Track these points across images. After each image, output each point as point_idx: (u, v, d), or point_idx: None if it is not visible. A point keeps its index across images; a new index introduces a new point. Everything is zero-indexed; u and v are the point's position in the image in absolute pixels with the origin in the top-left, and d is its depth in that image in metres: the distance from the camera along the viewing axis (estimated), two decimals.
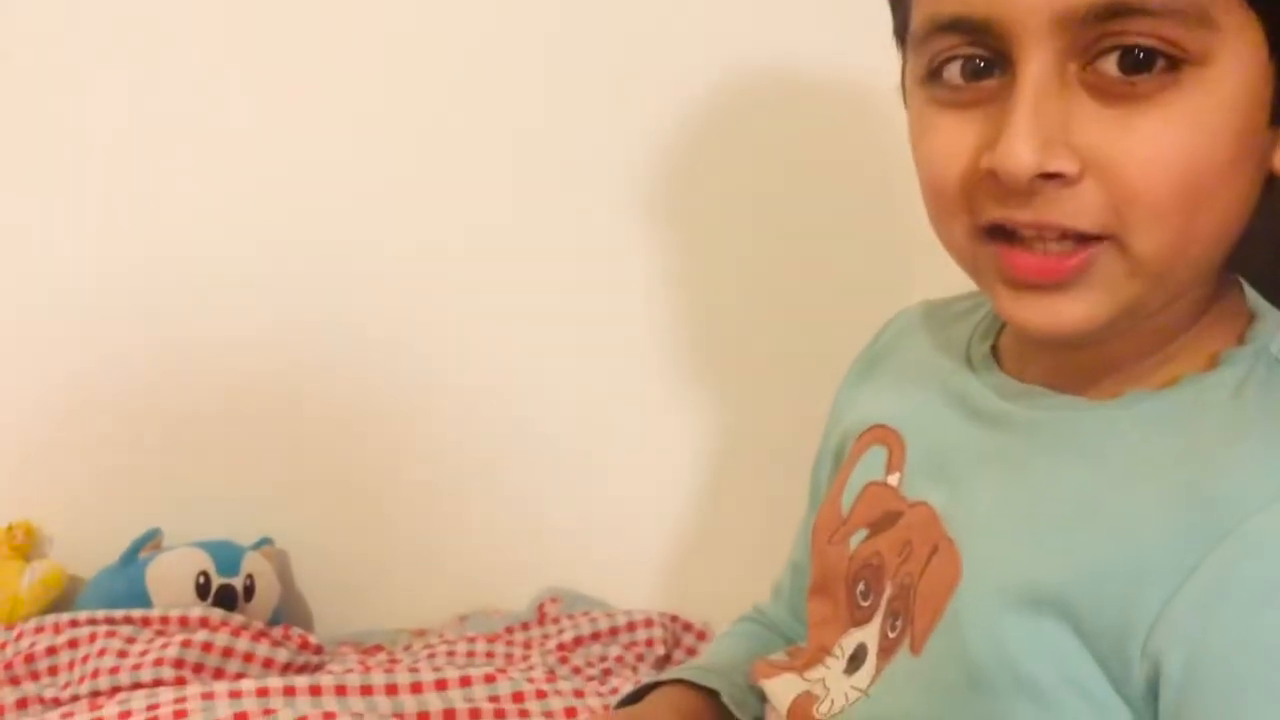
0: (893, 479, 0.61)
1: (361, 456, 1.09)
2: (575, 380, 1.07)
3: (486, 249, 1.05)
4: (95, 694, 0.87)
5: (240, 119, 1.04)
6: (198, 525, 1.06)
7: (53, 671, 0.91)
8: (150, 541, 1.05)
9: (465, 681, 0.83)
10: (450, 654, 0.96)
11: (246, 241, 1.05)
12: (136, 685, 0.87)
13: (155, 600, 0.99)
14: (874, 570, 0.59)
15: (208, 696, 0.78)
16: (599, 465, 1.08)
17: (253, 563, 1.03)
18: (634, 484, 1.08)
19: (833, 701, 0.59)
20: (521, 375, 1.07)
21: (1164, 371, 0.53)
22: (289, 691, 0.81)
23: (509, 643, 1.00)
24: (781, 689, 0.64)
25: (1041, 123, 0.47)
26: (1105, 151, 0.47)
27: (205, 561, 1.01)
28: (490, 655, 0.97)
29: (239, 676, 0.90)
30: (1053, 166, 0.47)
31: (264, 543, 1.07)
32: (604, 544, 1.09)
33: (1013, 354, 0.59)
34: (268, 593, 1.03)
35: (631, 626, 1.01)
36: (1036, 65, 0.47)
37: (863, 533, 0.61)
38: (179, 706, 0.77)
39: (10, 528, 1.07)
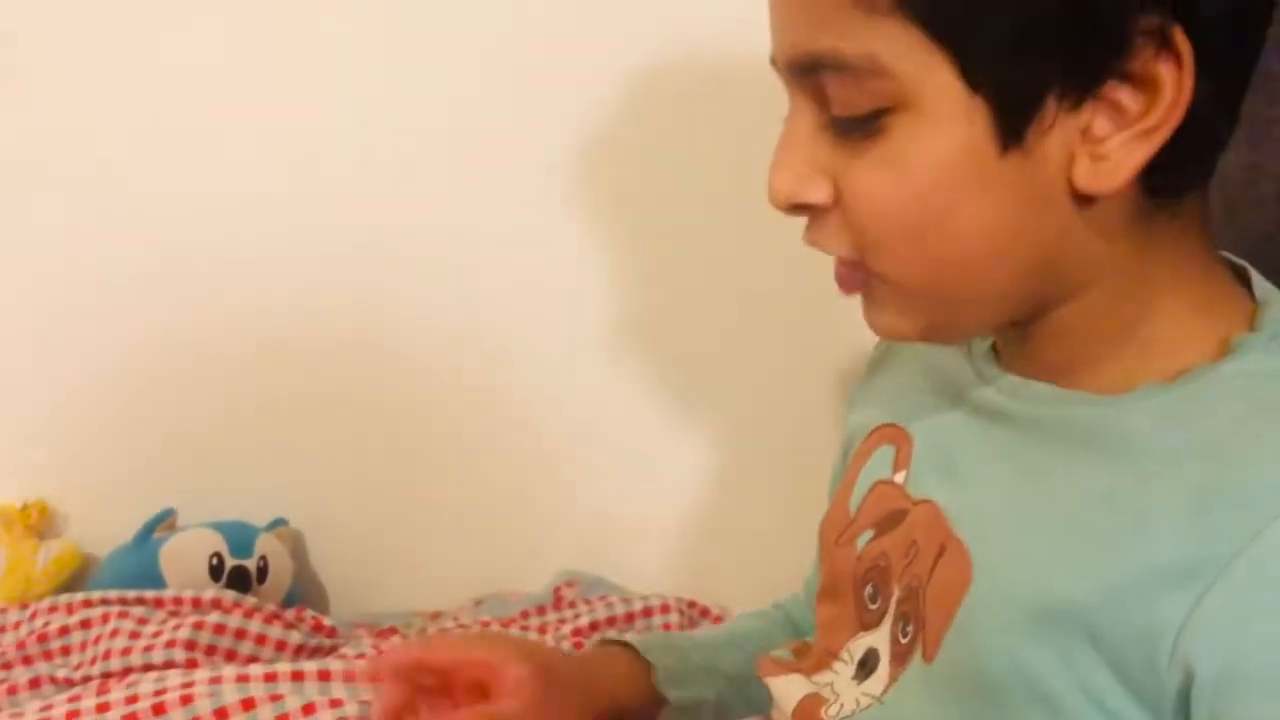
0: (899, 477, 0.59)
1: (378, 438, 1.08)
2: (595, 364, 1.05)
3: (505, 228, 1.03)
4: (106, 675, 0.86)
5: (251, 110, 1.03)
6: (212, 506, 1.06)
7: (65, 651, 0.91)
8: (164, 522, 1.05)
9: None
10: None
11: (260, 225, 1.04)
12: (148, 667, 0.86)
13: (168, 581, 0.99)
14: (881, 572, 0.58)
15: (215, 681, 0.78)
16: (617, 449, 1.07)
17: (266, 544, 1.02)
18: (653, 469, 1.07)
19: (842, 705, 0.58)
20: (539, 360, 1.06)
21: (1174, 360, 0.50)
22: (297, 677, 0.80)
23: (524, 627, 0.99)
24: (787, 689, 0.62)
25: (796, 156, 0.51)
26: (840, 187, 0.50)
27: (218, 543, 1.01)
28: None
29: (251, 659, 0.89)
30: (801, 197, 0.51)
31: (278, 524, 1.06)
32: (622, 528, 1.08)
33: (1012, 350, 0.57)
34: (281, 574, 1.03)
35: (648, 612, 0.99)
36: (796, 103, 0.51)
37: (869, 533, 0.60)
38: (186, 691, 0.76)
39: (25, 506, 1.06)
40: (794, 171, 0.51)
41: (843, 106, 0.49)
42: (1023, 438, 0.53)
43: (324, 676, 0.81)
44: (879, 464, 0.61)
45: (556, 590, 1.05)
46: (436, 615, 1.05)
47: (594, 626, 0.98)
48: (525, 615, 1.01)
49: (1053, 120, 0.47)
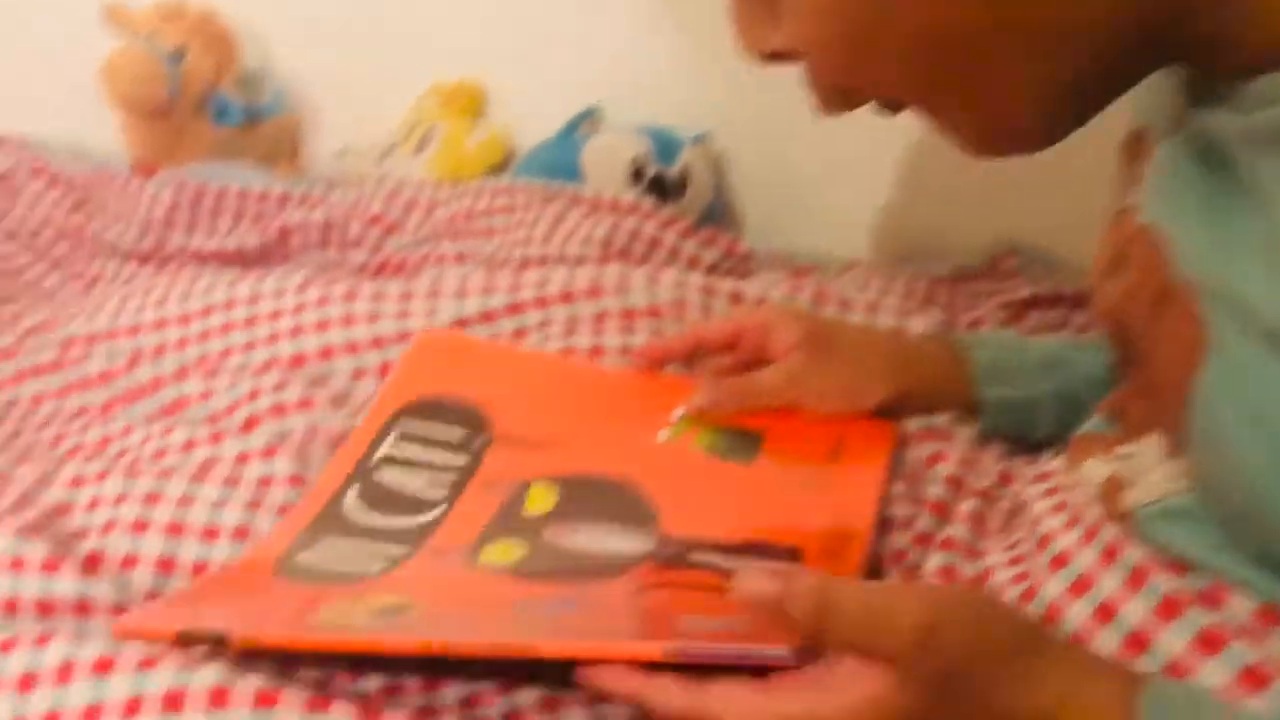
0: (1134, 197, 0.49)
1: None
2: None
3: None
4: (525, 261, 0.86)
5: None
6: (637, 109, 1.01)
7: (489, 233, 0.92)
8: (588, 119, 1.01)
9: None
10: (885, 290, 0.86)
11: None
12: (561, 259, 0.85)
13: (588, 179, 0.96)
14: (1122, 324, 0.49)
15: (624, 283, 0.74)
16: None
17: (690, 155, 0.97)
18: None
19: (1146, 489, 0.49)
20: None
21: None
22: (708, 291, 0.75)
23: (952, 290, 0.88)
24: (1092, 474, 0.53)
25: (743, 6, 0.49)
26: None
27: (642, 146, 0.96)
28: (930, 300, 0.86)
29: (662, 269, 0.85)
30: (764, 46, 0.49)
31: (702, 138, 1.00)
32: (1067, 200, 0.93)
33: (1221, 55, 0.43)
34: (701, 189, 0.97)
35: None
36: None
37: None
38: (594, 284, 0.74)
39: (462, 83, 1.06)
40: (744, 22, 0.49)
41: None
42: (1244, 159, 0.42)
43: (735, 298, 0.76)
44: (1130, 188, 0.52)
45: (995, 258, 0.93)
46: (851, 265, 0.96)
47: (1032, 303, 0.86)
48: (957, 279, 0.91)
49: None
